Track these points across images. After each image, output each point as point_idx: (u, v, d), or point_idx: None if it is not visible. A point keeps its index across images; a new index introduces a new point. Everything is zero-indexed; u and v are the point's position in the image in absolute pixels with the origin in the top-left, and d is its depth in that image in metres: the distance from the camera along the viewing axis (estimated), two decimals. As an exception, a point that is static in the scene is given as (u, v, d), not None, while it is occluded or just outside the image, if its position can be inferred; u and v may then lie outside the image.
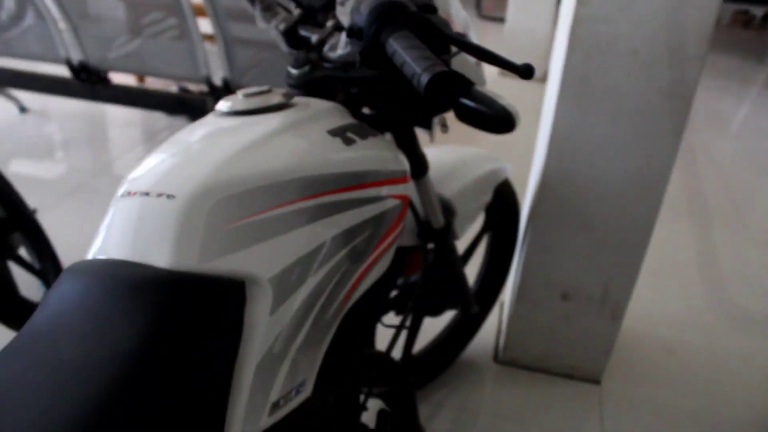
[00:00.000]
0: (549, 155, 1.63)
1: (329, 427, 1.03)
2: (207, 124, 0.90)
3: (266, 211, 0.77)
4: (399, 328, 1.31)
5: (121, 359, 0.64)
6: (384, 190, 0.94)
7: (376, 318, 1.44)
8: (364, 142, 0.94)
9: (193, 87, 3.59)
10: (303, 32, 1.09)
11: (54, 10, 3.01)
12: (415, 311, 1.61)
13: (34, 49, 3.20)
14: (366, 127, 1.00)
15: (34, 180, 3.22)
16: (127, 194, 0.77)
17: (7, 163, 3.35)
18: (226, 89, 2.98)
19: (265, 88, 0.95)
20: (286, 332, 0.79)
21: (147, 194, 0.75)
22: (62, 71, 3.19)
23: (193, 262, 0.71)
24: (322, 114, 0.95)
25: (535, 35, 4.80)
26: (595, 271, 1.77)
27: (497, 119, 0.89)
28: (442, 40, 0.84)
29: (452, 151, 1.62)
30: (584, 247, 1.73)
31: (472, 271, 1.88)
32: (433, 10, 0.90)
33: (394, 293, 1.60)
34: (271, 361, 0.77)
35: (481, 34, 6.25)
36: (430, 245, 1.45)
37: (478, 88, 1.03)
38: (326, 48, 1.05)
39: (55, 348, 0.66)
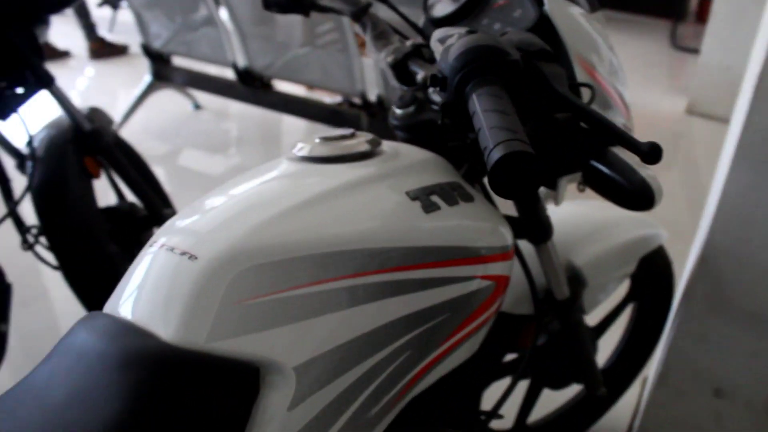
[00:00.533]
0: (714, 224, 1.35)
1: None
2: (270, 169, 0.79)
3: (302, 287, 0.65)
4: (506, 394, 1.12)
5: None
6: (469, 270, 0.78)
7: (479, 387, 1.29)
8: (451, 210, 0.78)
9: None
10: (413, 66, 0.94)
11: (225, 17, 3.14)
12: (533, 380, 1.43)
13: (205, 51, 3.36)
14: (466, 188, 0.84)
15: (197, 174, 3.39)
16: (155, 244, 0.69)
17: (176, 154, 3.56)
18: (380, 107, 2.94)
19: (348, 131, 0.82)
20: (309, 429, 0.66)
21: (172, 250, 0.66)
22: (231, 75, 3.34)
23: (200, 339, 0.61)
24: (408, 169, 0.80)
25: (730, 72, 4.24)
26: (761, 371, 1.45)
27: (632, 193, 0.76)
28: (549, 98, 0.66)
29: (591, 211, 1.39)
30: (749, 341, 1.42)
31: (609, 342, 1.63)
32: (549, 57, 0.72)
33: (511, 357, 1.42)
34: None
35: (671, 66, 5.76)
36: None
37: (616, 151, 0.84)
38: (431, 89, 0.90)
39: (39, 410, 0.59)
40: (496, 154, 0.53)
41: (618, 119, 0.91)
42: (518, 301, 1.22)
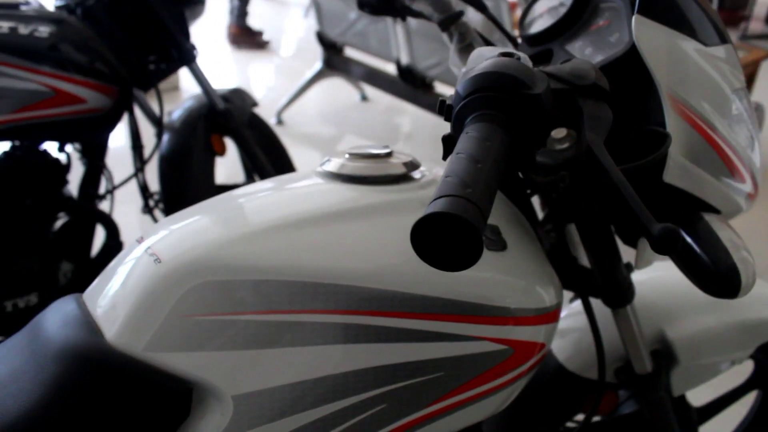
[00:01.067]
0: None
1: None
2: (291, 180, 0.76)
3: (263, 313, 0.60)
4: None
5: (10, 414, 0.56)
6: (475, 330, 0.68)
7: None
8: None
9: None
10: None
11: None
12: None
13: (373, 45, 3.42)
14: (503, 233, 0.73)
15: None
16: (137, 240, 0.68)
17: (339, 140, 3.68)
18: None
19: (384, 150, 0.75)
20: None
21: (147, 249, 0.65)
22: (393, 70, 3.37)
23: (139, 345, 0.59)
24: None
25: None
26: None
27: (714, 276, 0.66)
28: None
29: None
30: None
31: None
32: (601, 95, 0.58)
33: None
34: None
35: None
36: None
37: (713, 220, 0.70)
38: None
39: None
40: (429, 209, 0.44)
41: (733, 188, 0.74)
42: (589, 365, 1.08)
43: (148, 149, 1.80)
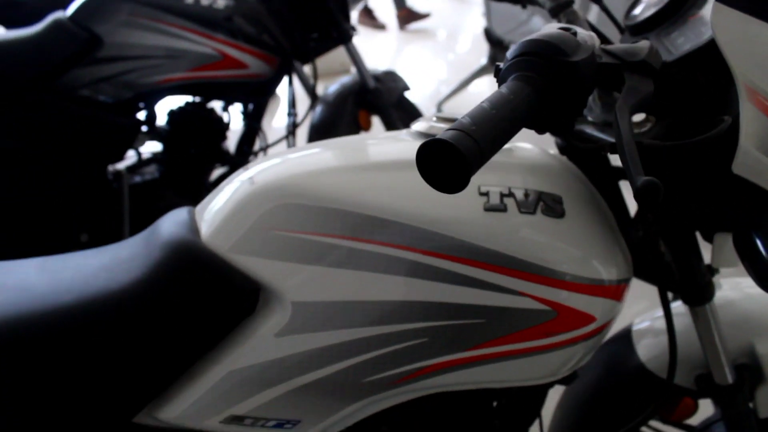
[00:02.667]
0: None
1: None
2: (387, 137, 0.84)
3: (331, 237, 0.70)
4: None
5: (108, 292, 0.69)
6: (517, 285, 0.72)
7: None
8: (519, 217, 0.73)
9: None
10: None
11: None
12: None
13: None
14: (566, 203, 0.77)
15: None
16: (244, 168, 0.80)
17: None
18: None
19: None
20: (291, 363, 0.71)
21: (250, 175, 0.77)
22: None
23: (224, 246, 0.71)
24: (503, 166, 0.78)
25: None
26: None
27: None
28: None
29: None
30: None
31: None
32: (649, 71, 0.61)
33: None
34: (252, 377, 0.71)
35: None
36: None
37: None
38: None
39: (93, 267, 0.74)
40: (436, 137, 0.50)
41: None
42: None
43: (301, 117, 1.98)
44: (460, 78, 4.05)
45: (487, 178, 0.75)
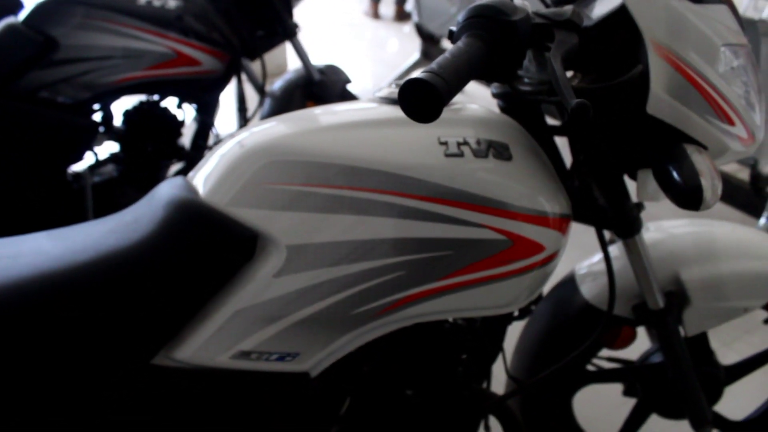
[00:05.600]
0: None
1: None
2: (355, 103, 0.95)
3: (318, 187, 0.80)
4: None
5: (119, 250, 0.77)
6: (476, 217, 0.84)
7: (569, 387, 1.33)
8: (474, 161, 0.85)
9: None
10: None
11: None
12: (640, 401, 1.36)
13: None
14: (512, 150, 0.90)
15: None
16: (243, 128, 0.90)
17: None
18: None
19: None
20: (289, 300, 0.81)
21: (240, 137, 0.86)
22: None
23: (223, 200, 0.80)
24: (457, 121, 0.90)
25: None
26: None
27: (682, 191, 0.81)
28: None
29: (730, 231, 1.27)
30: None
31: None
32: (573, 28, 0.76)
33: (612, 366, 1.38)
34: (255, 315, 0.80)
35: None
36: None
37: (693, 149, 0.84)
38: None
39: (98, 232, 0.82)
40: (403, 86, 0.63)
41: (718, 127, 0.86)
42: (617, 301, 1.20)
43: (251, 112, 2.06)
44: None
45: (445, 131, 0.87)
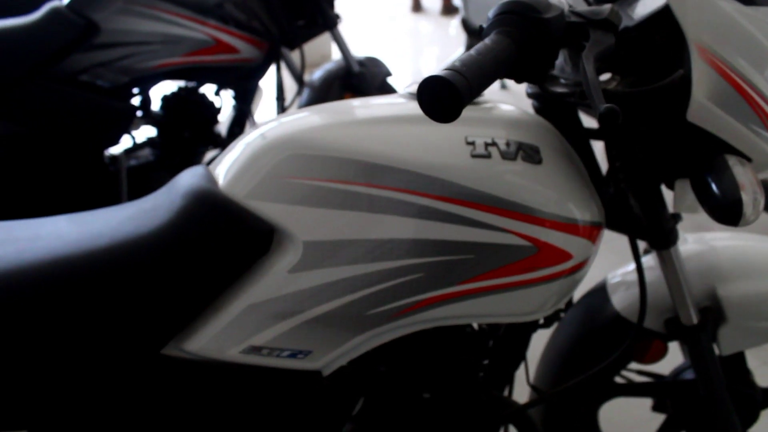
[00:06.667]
0: None
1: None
2: (383, 98, 0.93)
3: (339, 183, 0.78)
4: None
5: (136, 237, 0.77)
6: (501, 222, 0.81)
7: (595, 399, 1.28)
8: (502, 163, 0.82)
9: None
10: None
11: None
12: (669, 417, 1.31)
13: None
14: (543, 153, 0.86)
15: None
16: (263, 122, 0.89)
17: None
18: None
19: None
20: (303, 297, 0.79)
21: (264, 130, 0.85)
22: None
23: (241, 193, 0.79)
24: (486, 121, 0.87)
25: None
26: None
27: (721, 205, 0.77)
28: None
29: None
30: None
31: None
32: (609, 28, 0.71)
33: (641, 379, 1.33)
34: (268, 310, 0.79)
35: None
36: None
37: (734, 159, 0.79)
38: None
39: (118, 218, 0.82)
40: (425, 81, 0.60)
41: (764, 137, 0.81)
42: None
43: (288, 103, 2.06)
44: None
45: (473, 130, 0.84)
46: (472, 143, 0.82)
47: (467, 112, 0.87)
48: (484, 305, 0.85)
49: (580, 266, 0.89)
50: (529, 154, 0.84)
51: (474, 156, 0.81)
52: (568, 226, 0.84)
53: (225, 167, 0.82)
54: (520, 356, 1.10)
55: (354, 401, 0.97)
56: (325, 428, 0.93)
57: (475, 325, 1.04)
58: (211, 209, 0.77)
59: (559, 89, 0.86)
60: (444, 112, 0.59)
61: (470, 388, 1.05)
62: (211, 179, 0.81)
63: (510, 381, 1.13)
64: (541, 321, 1.10)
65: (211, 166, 0.87)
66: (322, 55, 4.09)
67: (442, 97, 0.59)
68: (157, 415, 0.78)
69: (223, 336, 0.78)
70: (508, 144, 0.84)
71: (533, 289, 0.86)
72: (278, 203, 0.77)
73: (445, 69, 0.59)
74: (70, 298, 0.72)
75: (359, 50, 4.53)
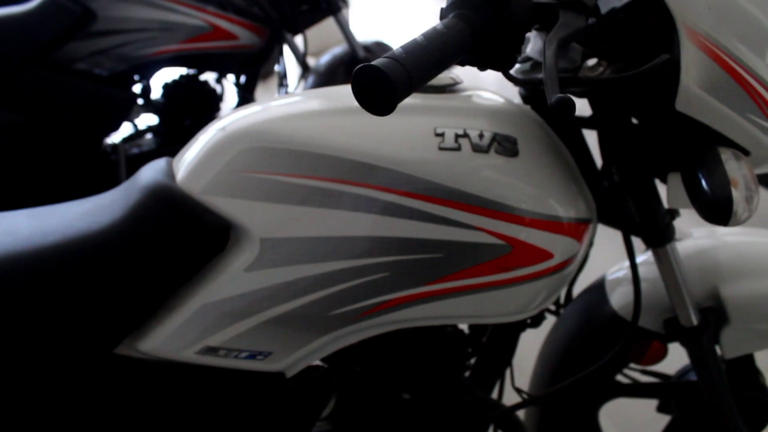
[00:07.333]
0: None
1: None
2: (347, 87, 0.88)
3: (297, 177, 0.75)
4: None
5: (89, 233, 0.74)
6: (471, 219, 0.76)
7: (594, 399, 1.23)
8: (472, 155, 0.77)
9: None
10: None
11: None
12: (675, 419, 1.26)
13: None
14: (520, 144, 0.81)
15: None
16: (227, 114, 0.85)
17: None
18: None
19: None
20: (260, 296, 0.76)
21: (220, 124, 0.81)
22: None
23: (197, 188, 0.76)
24: (460, 110, 0.81)
25: None
26: None
27: (711, 202, 0.71)
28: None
29: None
30: None
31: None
32: (582, 9, 0.65)
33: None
34: (224, 310, 0.76)
35: None
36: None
37: (728, 153, 0.73)
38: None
39: (73, 214, 0.80)
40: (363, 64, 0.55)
41: (763, 128, 0.74)
42: (643, 313, 1.09)
43: (293, 88, 2.02)
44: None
45: (444, 120, 0.79)
46: (441, 135, 0.77)
47: (440, 100, 0.82)
48: (459, 306, 0.81)
49: (564, 265, 0.84)
50: (504, 146, 0.79)
51: (442, 149, 0.76)
52: (549, 224, 0.79)
53: (184, 161, 0.79)
54: (509, 357, 1.05)
55: (323, 402, 0.94)
56: (291, 429, 0.90)
57: (464, 326, 1.00)
58: (166, 205, 0.74)
59: (540, 75, 0.80)
60: (378, 104, 0.54)
61: (453, 389, 1.01)
62: (170, 173, 0.78)
63: (501, 382, 1.09)
64: (529, 321, 1.05)
65: (174, 159, 0.84)
66: (339, 40, 4.04)
67: (376, 88, 0.53)
68: (111, 415, 0.76)
69: (177, 336, 0.76)
70: (481, 135, 0.78)
71: (513, 289, 0.81)
72: (235, 198, 0.74)
73: (384, 57, 0.54)
74: (17, 296, 0.70)
75: (373, 33, 4.47)
